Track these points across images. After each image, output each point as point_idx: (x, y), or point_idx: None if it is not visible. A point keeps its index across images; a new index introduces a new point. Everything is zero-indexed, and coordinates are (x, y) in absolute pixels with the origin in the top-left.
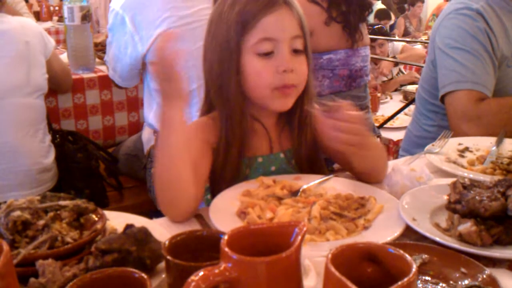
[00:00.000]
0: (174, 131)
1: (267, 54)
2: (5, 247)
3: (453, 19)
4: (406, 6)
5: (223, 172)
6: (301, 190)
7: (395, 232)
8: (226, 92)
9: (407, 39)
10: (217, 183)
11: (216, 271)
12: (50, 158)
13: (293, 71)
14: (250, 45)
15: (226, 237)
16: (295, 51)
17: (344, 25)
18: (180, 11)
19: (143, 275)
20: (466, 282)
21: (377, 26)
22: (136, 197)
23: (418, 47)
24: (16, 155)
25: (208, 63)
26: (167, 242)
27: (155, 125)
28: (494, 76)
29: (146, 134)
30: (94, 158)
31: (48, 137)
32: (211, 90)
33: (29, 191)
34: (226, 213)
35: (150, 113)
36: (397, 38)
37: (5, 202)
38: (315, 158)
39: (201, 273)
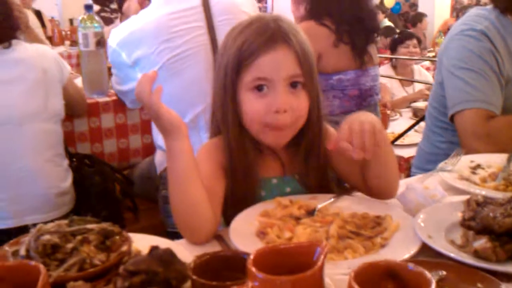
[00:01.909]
0: (179, 160)
1: (261, 91)
2: (43, 270)
3: (459, 40)
4: (409, 25)
5: (233, 193)
6: (317, 209)
7: (412, 249)
8: (226, 122)
9: (415, 58)
10: (228, 204)
11: None
12: (68, 181)
13: (287, 111)
14: (245, 82)
15: (252, 256)
16: (293, 88)
17: (352, 47)
18: (173, 41)
19: None
20: None
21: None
22: (152, 218)
23: (426, 63)
24: (34, 179)
25: (214, 90)
26: (192, 263)
27: (164, 147)
28: (501, 95)
29: (159, 157)
30: (111, 181)
31: (66, 161)
32: (217, 115)
33: (47, 214)
34: (245, 233)
35: (159, 136)
36: (404, 56)
37: (34, 225)
38: (323, 181)
39: None
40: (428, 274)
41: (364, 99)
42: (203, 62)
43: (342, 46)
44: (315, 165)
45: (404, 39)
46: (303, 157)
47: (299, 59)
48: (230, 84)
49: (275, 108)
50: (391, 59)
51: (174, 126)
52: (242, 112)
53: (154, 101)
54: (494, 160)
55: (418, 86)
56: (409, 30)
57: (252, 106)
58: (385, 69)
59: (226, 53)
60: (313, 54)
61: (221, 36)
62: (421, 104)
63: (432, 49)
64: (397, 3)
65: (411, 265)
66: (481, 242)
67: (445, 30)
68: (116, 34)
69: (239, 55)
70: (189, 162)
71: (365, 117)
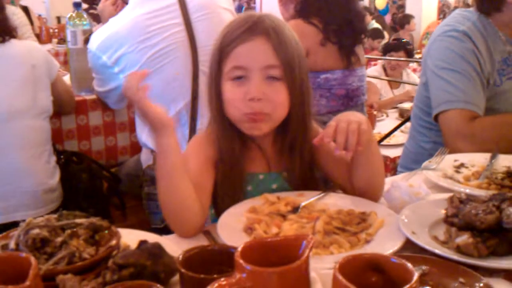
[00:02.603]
0: (168, 155)
1: (239, 80)
2: (33, 261)
3: (442, 41)
4: (397, 26)
5: (222, 187)
6: (301, 206)
7: (396, 245)
8: (212, 112)
9: (402, 59)
10: (218, 197)
11: (232, 281)
12: (55, 178)
13: (263, 100)
14: (225, 72)
15: (239, 249)
16: (271, 80)
17: (339, 47)
18: (151, 40)
19: (160, 287)
20: None
21: (404, 41)
22: (139, 215)
23: (413, 65)
24: (22, 176)
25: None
26: (181, 256)
27: (149, 144)
28: (484, 95)
29: (144, 155)
30: (98, 178)
31: (54, 158)
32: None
33: (34, 211)
34: (233, 229)
35: (143, 134)
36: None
37: (23, 220)
38: (310, 179)
39: (218, 283)
40: (410, 266)
41: (351, 99)
42: (182, 58)
43: (329, 46)
44: (299, 163)
45: (397, 48)
46: (288, 154)
47: (276, 51)
48: (213, 75)
49: (250, 96)
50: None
51: (161, 123)
52: (224, 101)
53: (140, 97)
54: (477, 160)
55: (405, 89)
56: (403, 40)
57: (231, 95)
58: (376, 69)
59: (213, 46)
60: (300, 51)
61: (198, 32)
62: (407, 105)
63: (419, 50)
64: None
65: (394, 258)
66: (464, 238)
67: (431, 32)
68: (95, 38)
69: (220, 46)
70: (177, 157)
71: (354, 117)
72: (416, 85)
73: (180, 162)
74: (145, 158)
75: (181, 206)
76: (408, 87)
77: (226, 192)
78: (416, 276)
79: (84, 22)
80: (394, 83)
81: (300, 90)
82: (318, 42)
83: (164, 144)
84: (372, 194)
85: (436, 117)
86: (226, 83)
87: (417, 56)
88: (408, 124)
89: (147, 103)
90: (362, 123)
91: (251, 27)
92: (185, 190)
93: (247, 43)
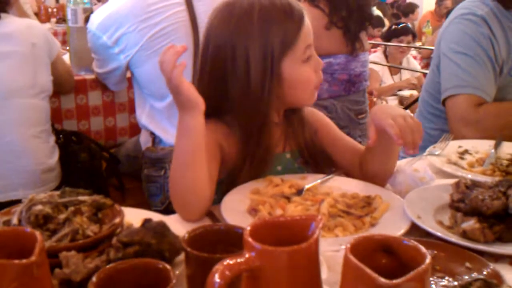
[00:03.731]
0: (192, 136)
1: (309, 59)
2: (39, 236)
3: (458, 24)
4: (400, 14)
5: (250, 171)
6: (305, 189)
7: (401, 229)
8: (255, 100)
9: (403, 44)
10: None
11: (240, 260)
12: (54, 158)
13: None
14: (298, 56)
15: (249, 228)
16: None
17: (344, 31)
18: (152, 19)
19: (167, 266)
20: (473, 275)
21: (402, 25)
22: (138, 197)
23: (413, 52)
24: (20, 155)
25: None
26: (186, 235)
27: (149, 126)
28: (495, 82)
29: (143, 136)
30: (97, 159)
31: (53, 138)
32: (231, 96)
33: (32, 190)
34: (237, 210)
35: (143, 115)
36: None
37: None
38: (321, 155)
39: (226, 262)
40: (423, 248)
41: (353, 84)
42: (183, 38)
43: (334, 30)
44: (305, 138)
45: (400, 34)
46: (298, 125)
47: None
48: (276, 63)
49: (320, 66)
50: (385, 47)
51: (192, 103)
52: (291, 87)
53: (176, 74)
54: (481, 146)
55: (405, 75)
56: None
57: (307, 74)
58: (376, 56)
59: (254, 36)
60: None
61: (200, 13)
62: (407, 92)
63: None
64: None
65: (406, 240)
66: (470, 223)
67: (431, 19)
68: (95, 17)
69: (285, 38)
70: (199, 140)
71: (401, 111)
72: (417, 71)
73: (202, 146)
74: (144, 140)
75: (194, 188)
76: (407, 74)
77: (255, 175)
78: (429, 258)
79: (85, 1)
80: (394, 70)
81: None
82: (323, 25)
83: (191, 124)
84: (381, 179)
85: (444, 102)
86: (300, 66)
87: (417, 44)
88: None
89: (182, 80)
90: (412, 116)
91: (290, 10)
92: (200, 174)
93: (305, 23)
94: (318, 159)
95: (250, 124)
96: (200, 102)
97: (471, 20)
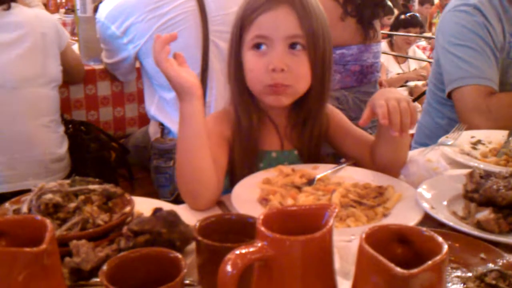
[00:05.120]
0: (190, 123)
1: (261, 50)
2: (49, 225)
3: (452, 16)
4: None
5: (237, 164)
6: (316, 178)
7: (414, 219)
8: (231, 83)
9: (412, 34)
10: (235, 176)
11: (253, 249)
12: (63, 148)
13: (285, 71)
14: (247, 40)
15: (261, 217)
16: (294, 51)
17: (358, 19)
18: (162, 8)
19: (178, 255)
20: (488, 266)
21: (409, 14)
22: (147, 187)
23: (422, 43)
24: (30, 145)
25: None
26: (197, 224)
27: (158, 117)
28: (497, 68)
29: (152, 127)
30: (106, 149)
31: (62, 128)
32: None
33: (42, 180)
34: (248, 200)
35: (152, 106)
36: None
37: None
38: (315, 155)
39: (239, 251)
40: (440, 238)
41: (365, 75)
42: (192, 28)
43: (348, 20)
44: (308, 138)
45: (409, 25)
46: (300, 129)
47: (301, 21)
48: (234, 44)
49: (272, 66)
50: (390, 36)
51: (185, 89)
52: (245, 72)
53: (161, 59)
54: (494, 136)
55: (412, 64)
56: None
57: (253, 65)
58: (382, 45)
59: (236, 15)
60: (325, 21)
61: (209, 2)
62: (411, 83)
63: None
64: None
65: (422, 230)
66: (485, 214)
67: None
68: (104, 7)
69: (242, 14)
70: (199, 127)
71: (399, 94)
72: (423, 61)
73: (203, 132)
74: (153, 130)
75: (199, 176)
76: (414, 63)
77: (240, 169)
78: (445, 248)
79: None
80: (401, 58)
81: (322, 63)
82: (337, 17)
83: (189, 110)
84: (393, 169)
85: (449, 94)
86: (248, 53)
87: (426, 34)
88: (417, 103)
89: (168, 67)
90: (409, 100)
91: None
92: (204, 162)
93: (271, 12)
94: (316, 159)
95: (236, 106)
96: (195, 88)
97: (465, 11)
